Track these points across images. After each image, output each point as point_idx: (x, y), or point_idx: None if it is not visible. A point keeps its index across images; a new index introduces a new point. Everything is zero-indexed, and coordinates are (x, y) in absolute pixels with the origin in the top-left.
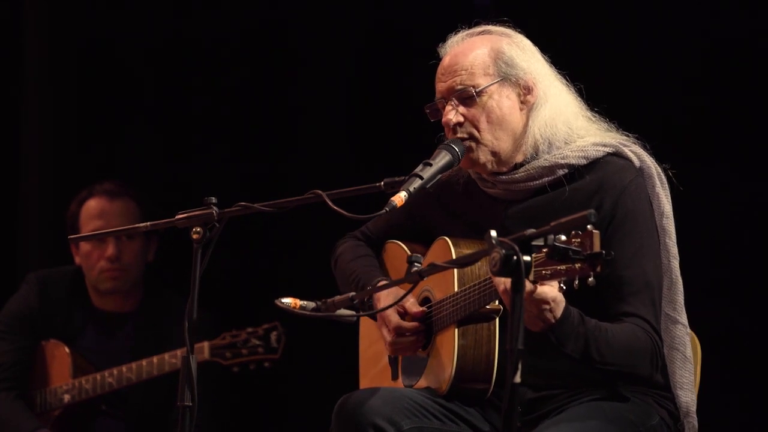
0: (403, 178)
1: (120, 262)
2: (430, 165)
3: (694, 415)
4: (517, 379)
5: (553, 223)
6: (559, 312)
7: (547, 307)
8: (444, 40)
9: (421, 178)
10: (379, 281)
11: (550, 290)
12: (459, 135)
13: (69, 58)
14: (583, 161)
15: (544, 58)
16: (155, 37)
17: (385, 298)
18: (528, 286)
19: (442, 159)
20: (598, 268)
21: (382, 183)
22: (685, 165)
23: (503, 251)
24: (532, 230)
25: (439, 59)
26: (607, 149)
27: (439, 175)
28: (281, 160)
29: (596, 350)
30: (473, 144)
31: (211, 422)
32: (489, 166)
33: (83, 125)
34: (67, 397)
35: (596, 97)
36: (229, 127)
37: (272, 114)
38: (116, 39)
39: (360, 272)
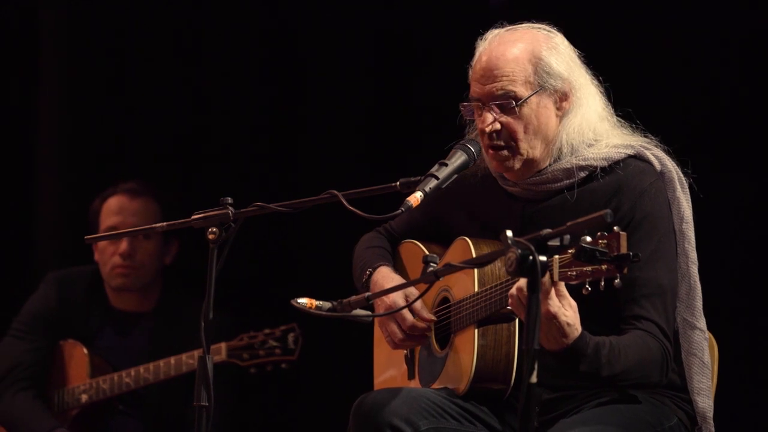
0: (418, 178)
1: (132, 259)
2: (446, 165)
3: (711, 421)
4: (534, 379)
5: (569, 223)
6: (573, 336)
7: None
8: (459, 40)
9: (437, 178)
10: (380, 265)
11: (572, 315)
12: (495, 143)
13: (84, 59)
14: (604, 163)
15: (580, 57)
16: (171, 39)
17: (395, 294)
18: (552, 307)
19: (457, 159)
20: (625, 270)
21: (398, 183)
22: (708, 167)
23: (519, 251)
24: (548, 230)
25: (466, 57)
26: (628, 151)
27: (455, 175)
28: (297, 160)
29: (609, 370)
30: (509, 153)
31: (228, 423)
32: (521, 173)
33: (99, 124)
34: (84, 397)
35: (617, 96)
36: (246, 129)
37: (289, 114)
38: (131, 41)
39: (367, 258)
